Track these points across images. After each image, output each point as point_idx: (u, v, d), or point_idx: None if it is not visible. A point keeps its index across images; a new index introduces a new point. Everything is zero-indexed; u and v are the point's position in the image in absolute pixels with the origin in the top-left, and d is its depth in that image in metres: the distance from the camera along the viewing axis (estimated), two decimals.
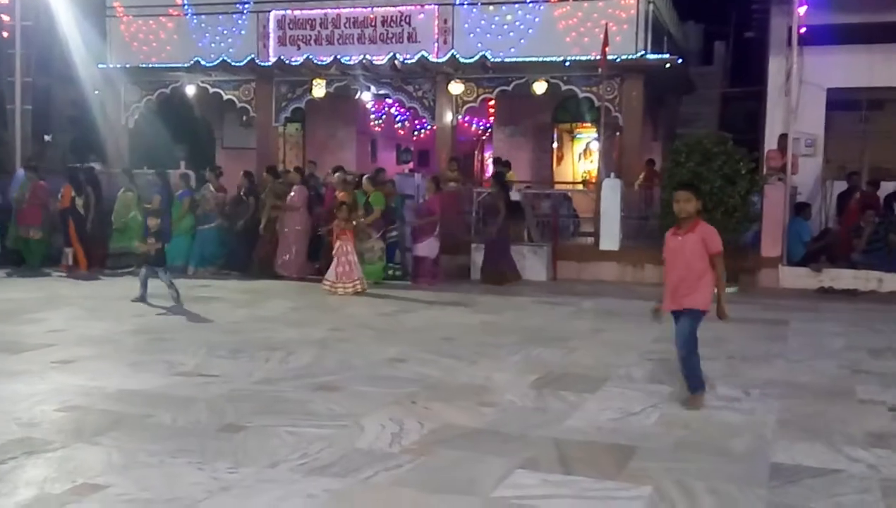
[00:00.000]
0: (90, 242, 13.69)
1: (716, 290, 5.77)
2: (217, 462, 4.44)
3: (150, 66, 17.04)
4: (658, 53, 14.96)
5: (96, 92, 17.43)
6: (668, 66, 14.78)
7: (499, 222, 12.85)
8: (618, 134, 15.77)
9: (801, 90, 13.87)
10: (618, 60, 14.22)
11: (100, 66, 17.16)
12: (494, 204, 12.98)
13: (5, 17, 16.09)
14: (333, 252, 11.59)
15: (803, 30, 13.22)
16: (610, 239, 13.51)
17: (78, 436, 4.86)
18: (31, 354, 7.15)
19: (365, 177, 13.22)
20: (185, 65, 16.31)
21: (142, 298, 10.31)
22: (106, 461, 4.45)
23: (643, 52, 14.70)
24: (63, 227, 13.61)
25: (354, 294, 11.30)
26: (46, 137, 21.43)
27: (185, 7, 17.07)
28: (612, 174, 13.94)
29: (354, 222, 11.89)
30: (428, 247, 12.64)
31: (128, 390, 5.98)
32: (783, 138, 13.49)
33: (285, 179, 13.85)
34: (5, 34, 16.13)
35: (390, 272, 13.05)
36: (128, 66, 17.10)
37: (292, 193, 13.25)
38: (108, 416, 5.28)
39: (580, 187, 18.76)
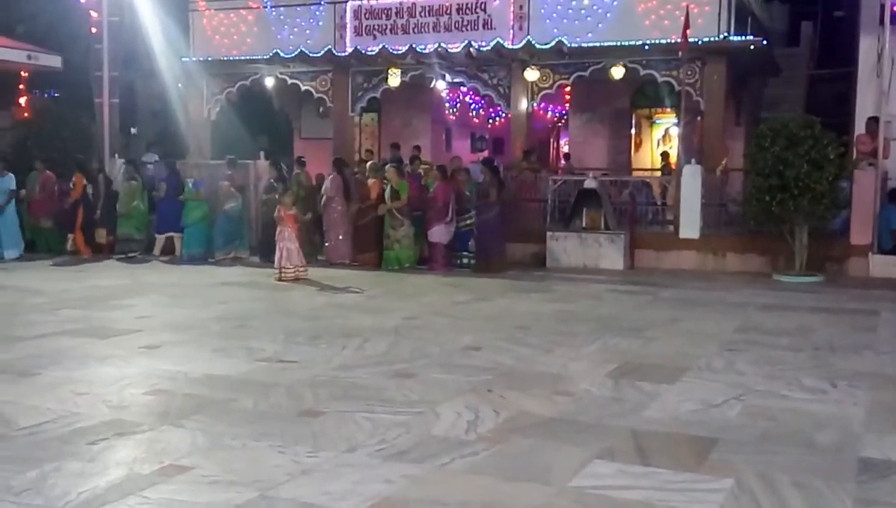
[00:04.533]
0: (105, 227, 14.38)
1: None
2: (297, 445, 4.53)
3: (231, 58, 17.40)
4: (741, 35, 14.51)
5: (179, 85, 17.91)
6: (752, 47, 14.33)
7: (492, 209, 12.80)
8: (699, 119, 15.40)
9: (894, 71, 13.27)
10: (699, 43, 13.86)
11: (182, 59, 17.61)
12: (486, 190, 12.91)
13: (93, 14, 16.67)
14: (276, 236, 11.87)
15: None
16: (690, 226, 13.21)
17: (164, 419, 5.02)
18: (120, 339, 7.42)
19: (388, 164, 13.52)
20: (265, 57, 16.59)
21: None
22: (191, 443, 4.59)
23: (726, 34, 14.27)
24: (72, 215, 14.31)
25: (295, 280, 11.45)
26: (132, 130, 22.18)
27: (265, 0, 17.37)
28: (693, 160, 13.63)
29: (385, 209, 12.61)
30: (439, 233, 12.84)
31: (211, 375, 6.15)
32: (874, 121, 12.95)
33: (360, 169, 14.02)
34: (93, 30, 16.72)
35: (464, 260, 13.10)
36: (209, 59, 17.50)
37: (327, 183, 13.70)
38: (192, 400, 5.44)
39: (658, 173, 18.41)
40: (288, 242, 11.63)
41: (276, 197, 12.69)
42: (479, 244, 12.94)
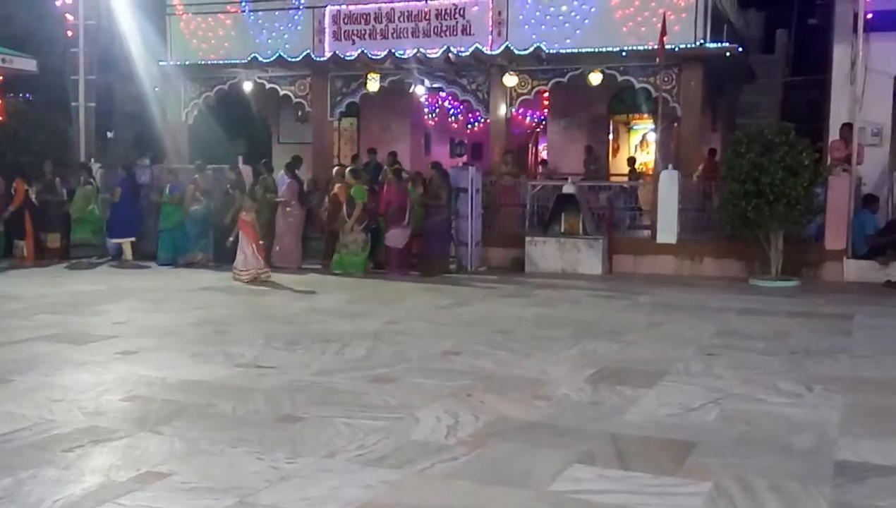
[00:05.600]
0: (57, 232, 14.16)
1: None
2: (276, 451, 4.51)
3: (209, 62, 17.32)
4: (717, 42, 14.65)
5: (156, 89, 17.78)
6: (727, 54, 14.48)
7: (443, 212, 12.90)
8: (675, 125, 15.52)
9: (867, 78, 13.45)
10: (676, 50, 13.98)
11: (160, 63, 17.51)
12: (437, 193, 12.97)
13: (69, 17, 16.53)
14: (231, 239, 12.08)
15: (870, 15, 12.82)
16: (667, 232, 13.31)
17: (142, 425, 4.98)
18: (97, 345, 7.35)
19: (347, 169, 13.58)
20: (243, 61, 16.53)
21: None
22: (169, 449, 4.55)
23: (702, 41, 14.42)
24: (19, 221, 13.99)
25: (250, 282, 11.60)
26: (109, 134, 21.97)
27: (243, 4, 17.30)
28: (670, 166, 13.73)
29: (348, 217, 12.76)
30: (394, 237, 12.92)
31: (189, 380, 6.11)
32: (848, 128, 13.11)
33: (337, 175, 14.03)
34: (69, 33, 16.57)
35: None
36: (187, 63, 17.41)
37: (283, 188, 13.78)
38: (170, 406, 5.39)
39: (635, 180, 18.51)
40: (245, 247, 11.76)
41: (234, 202, 12.96)
42: (426, 247, 12.99)
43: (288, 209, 13.71)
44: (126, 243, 14.08)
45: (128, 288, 11.16)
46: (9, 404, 5.40)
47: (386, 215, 12.99)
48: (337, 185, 13.46)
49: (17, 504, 3.76)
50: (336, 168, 13.99)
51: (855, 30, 13.20)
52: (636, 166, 17.63)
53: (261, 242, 12.20)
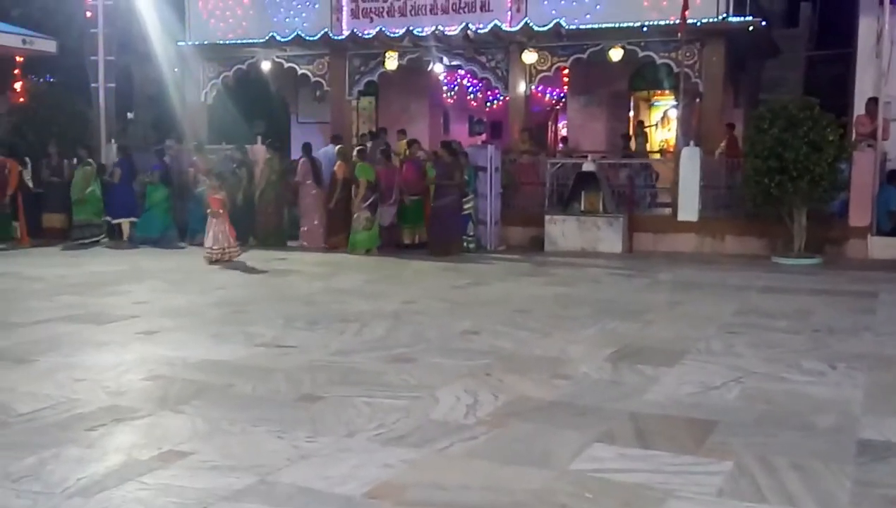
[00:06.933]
0: (59, 213, 14.27)
1: None
2: (296, 430, 4.52)
3: (227, 42, 17.30)
4: (740, 16, 14.41)
5: (175, 69, 17.80)
6: (750, 28, 14.26)
7: (454, 192, 12.84)
8: (697, 101, 15.33)
9: (893, 51, 13.21)
10: (698, 24, 13.79)
11: (178, 43, 17.51)
12: (449, 173, 12.89)
13: None
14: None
15: None
16: (688, 209, 13.19)
17: (163, 404, 5.01)
18: (117, 325, 7.41)
19: (356, 149, 13.58)
20: (261, 40, 16.50)
21: None
22: (190, 428, 4.58)
23: (724, 15, 14.20)
24: (13, 202, 13.99)
25: (221, 260, 11.58)
26: (129, 115, 22.06)
27: None
28: (692, 142, 13.58)
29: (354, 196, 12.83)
30: (382, 215, 13.13)
31: (210, 360, 6.14)
32: (873, 102, 12.90)
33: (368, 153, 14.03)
34: (89, 14, 16.60)
35: (463, 244, 13.11)
36: (205, 43, 17.40)
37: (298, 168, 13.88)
38: (191, 385, 5.43)
39: (657, 156, 18.35)
40: (215, 225, 11.76)
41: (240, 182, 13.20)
42: (437, 226, 12.94)
43: (304, 189, 13.74)
44: (125, 223, 14.21)
45: (147, 269, 11.23)
46: (31, 384, 5.45)
47: (382, 195, 13.14)
48: (337, 163, 13.48)
49: (40, 483, 3.80)
50: (338, 147, 13.99)
51: (881, 2, 12.96)
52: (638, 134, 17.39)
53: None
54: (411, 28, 15.44)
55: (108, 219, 14.30)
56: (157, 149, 15.30)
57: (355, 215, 12.96)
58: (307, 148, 14.26)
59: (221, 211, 11.86)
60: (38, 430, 4.54)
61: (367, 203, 12.89)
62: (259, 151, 14.72)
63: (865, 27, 13.93)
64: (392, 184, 13.29)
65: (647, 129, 17.94)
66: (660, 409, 4.95)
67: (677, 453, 4.21)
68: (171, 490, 3.73)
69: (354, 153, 13.41)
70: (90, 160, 14.49)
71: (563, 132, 21.09)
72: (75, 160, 14.47)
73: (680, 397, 5.21)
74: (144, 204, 14.19)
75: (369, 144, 14.98)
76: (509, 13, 15.41)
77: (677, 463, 4.08)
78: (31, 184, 14.24)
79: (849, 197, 12.51)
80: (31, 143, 15.04)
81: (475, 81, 19.49)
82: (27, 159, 14.24)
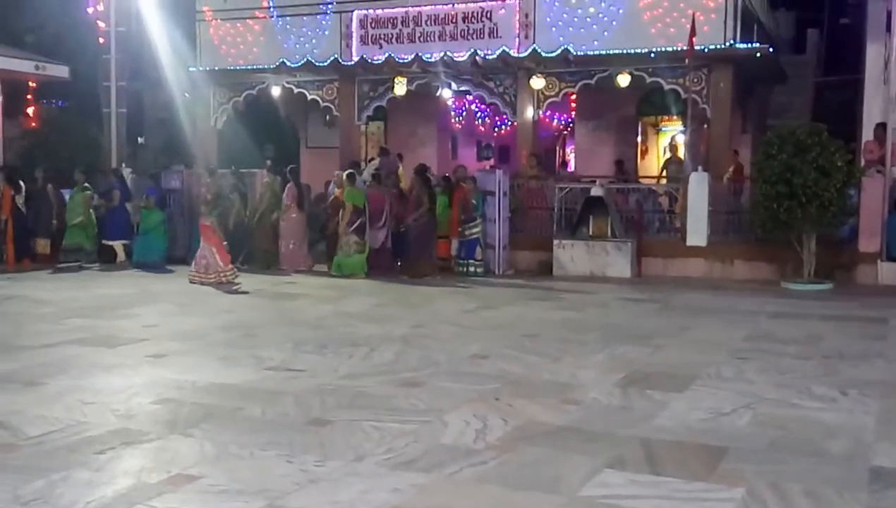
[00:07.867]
0: (46, 238, 14.28)
1: None
2: (305, 455, 4.51)
3: (238, 68, 17.45)
4: (748, 42, 14.48)
5: (186, 95, 17.95)
6: (758, 55, 14.30)
7: (422, 215, 12.95)
8: (705, 126, 15.36)
9: None
10: (705, 51, 13.84)
11: (189, 69, 17.67)
12: (418, 197, 13.04)
13: (101, 24, 16.75)
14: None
15: None
16: (697, 234, 13.18)
17: (172, 428, 5.01)
18: (126, 348, 7.42)
19: (345, 173, 13.69)
20: (271, 66, 16.65)
21: None
22: (199, 452, 4.57)
23: (732, 42, 14.26)
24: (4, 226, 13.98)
25: (218, 283, 11.65)
26: (140, 140, 22.22)
27: (271, 9, 17.41)
28: (700, 168, 13.60)
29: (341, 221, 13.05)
30: (373, 238, 13.31)
31: (218, 384, 6.14)
32: (881, 128, 12.92)
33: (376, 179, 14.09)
34: (101, 40, 16.79)
35: (471, 268, 13.13)
36: (216, 68, 17.56)
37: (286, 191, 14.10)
38: (200, 409, 5.42)
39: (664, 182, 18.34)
40: (205, 251, 11.87)
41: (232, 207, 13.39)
42: (410, 247, 13.18)
43: (286, 213, 14.01)
44: (118, 246, 14.36)
45: (156, 292, 11.26)
46: (41, 407, 5.46)
47: (371, 217, 13.27)
48: (338, 189, 13.64)
49: (49, 506, 3.79)
50: (336, 173, 14.20)
51: (888, 28, 13.01)
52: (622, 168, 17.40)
53: (224, 243, 12.18)
54: (420, 54, 15.56)
55: (104, 241, 14.42)
56: (152, 174, 15.45)
57: (343, 239, 13.09)
58: (294, 172, 14.62)
59: (212, 235, 11.97)
60: (48, 453, 4.54)
61: (353, 227, 13.05)
62: (260, 175, 14.87)
63: (873, 53, 13.98)
64: (381, 207, 13.40)
65: (678, 157, 17.91)
66: (670, 435, 4.92)
67: (688, 479, 4.18)
68: None
69: (344, 177, 13.49)
70: (87, 184, 14.57)
71: (571, 157, 21.12)
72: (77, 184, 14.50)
73: (690, 423, 5.18)
74: (137, 227, 14.27)
75: (376, 163, 15.16)
76: (517, 39, 15.52)
77: (688, 490, 4.05)
78: (23, 210, 14.25)
79: (858, 222, 12.48)
80: (44, 169, 15.04)
81: (483, 106, 19.59)
82: (22, 183, 14.29)
